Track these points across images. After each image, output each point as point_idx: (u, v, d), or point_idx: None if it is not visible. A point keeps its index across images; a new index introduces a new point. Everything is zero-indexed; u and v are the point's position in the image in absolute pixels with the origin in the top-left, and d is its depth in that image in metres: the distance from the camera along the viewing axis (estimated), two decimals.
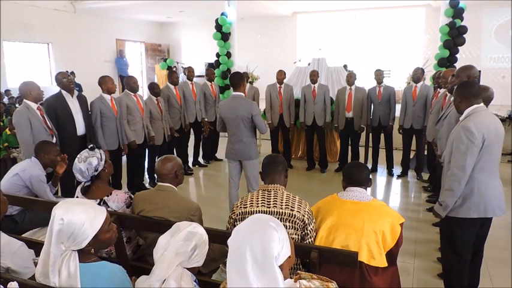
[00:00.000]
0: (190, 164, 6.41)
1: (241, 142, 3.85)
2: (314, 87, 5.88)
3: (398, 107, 5.69)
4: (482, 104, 2.48)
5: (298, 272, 1.35)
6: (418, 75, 5.36)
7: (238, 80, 3.88)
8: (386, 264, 2.15)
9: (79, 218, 1.43)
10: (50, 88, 8.50)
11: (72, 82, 4.31)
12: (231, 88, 4.07)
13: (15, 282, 1.48)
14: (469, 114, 2.44)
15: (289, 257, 1.22)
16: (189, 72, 6.15)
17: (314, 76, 5.87)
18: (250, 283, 1.11)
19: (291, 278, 1.28)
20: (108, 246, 1.64)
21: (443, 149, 3.49)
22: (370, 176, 2.38)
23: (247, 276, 1.11)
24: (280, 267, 1.16)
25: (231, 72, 4.10)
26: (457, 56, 7.32)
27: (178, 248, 1.44)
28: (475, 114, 2.41)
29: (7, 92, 8.67)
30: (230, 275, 1.16)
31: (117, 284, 1.51)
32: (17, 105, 7.21)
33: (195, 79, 6.23)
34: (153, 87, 5.29)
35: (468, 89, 2.49)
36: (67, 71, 6.01)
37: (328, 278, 1.36)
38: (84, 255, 1.48)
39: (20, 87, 3.86)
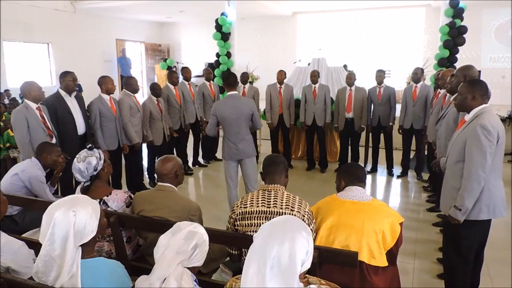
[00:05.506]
0: (190, 164, 6.41)
1: (244, 140, 3.86)
2: (315, 87, 5.88)
3: (398, 107, 5.69)
4: (488, 104, 2.46)
5: (306, 275, 1.32)
6: (417, 76, 5.36)
7: (235, 79, 3.93)
8: (386, 264, 2.15)
9: (85, 210, 1.53)
10: (50, 88, 8.50)
11: (76, 83, 4.30)
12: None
13: None
14: (478, 114, 2.39)
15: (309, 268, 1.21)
16: (186, 72, 6.14)
17: (315, 76, 5.87)
18: (265, 283, 1.10)
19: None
20: (104, 231, 1.73)
21: (441, 148, 3.49)
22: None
23: (265, 276, 1.10)
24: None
25: (226, 72, 4.06)
26: (457, 56, 7.33)
27: (179, 247, 1.44)
28: (486, 113, 2.36)
29: (6, 92, 8.66)
30: (247, 271, 1.14)
31: (115, 279, 1.52)
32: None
33: (195, 79, 6.22)
34: (154, 88, 5.29)
35: (483, 87, 2.44)
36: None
37: (328, 277, 1.35)
38: (84, 251, 1.50)
39: (21, 87, 3.88)
